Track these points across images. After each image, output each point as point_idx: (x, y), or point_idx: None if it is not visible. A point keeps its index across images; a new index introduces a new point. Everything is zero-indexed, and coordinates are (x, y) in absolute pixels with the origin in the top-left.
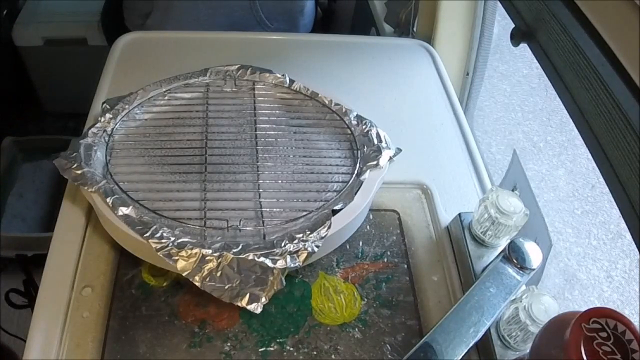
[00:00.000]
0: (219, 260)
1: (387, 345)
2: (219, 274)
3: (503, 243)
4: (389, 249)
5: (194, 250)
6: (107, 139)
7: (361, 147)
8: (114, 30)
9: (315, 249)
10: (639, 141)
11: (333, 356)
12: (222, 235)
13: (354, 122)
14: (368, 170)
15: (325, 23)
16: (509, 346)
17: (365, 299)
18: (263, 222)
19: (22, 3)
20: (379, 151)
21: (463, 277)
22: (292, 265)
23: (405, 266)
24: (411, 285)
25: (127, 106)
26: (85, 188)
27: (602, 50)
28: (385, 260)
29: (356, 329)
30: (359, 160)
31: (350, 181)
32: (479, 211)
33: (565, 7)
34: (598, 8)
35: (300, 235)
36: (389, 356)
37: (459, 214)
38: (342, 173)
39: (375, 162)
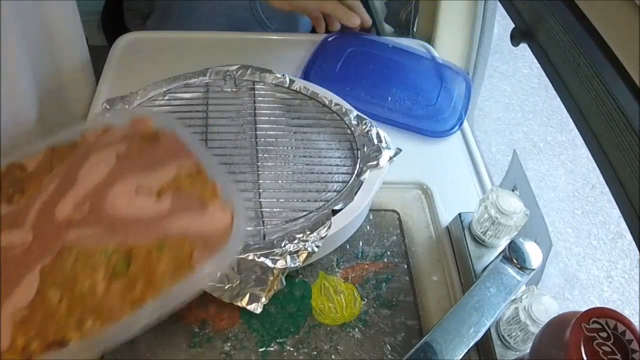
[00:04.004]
0: None
1: (387, 345)
2: (218, 274)
3: (503, 243)
4: (389, 249)
5: None
6: None
7: (361, 147)
8: (114, 30)
9: (315, 249)
10: (639, 141)
11: (333, 356)
12: None
13: (354, 122)
14: (368, 170)
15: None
16: (509, 346)
17: (365, 299)
18: (263, 222)
19: None
20: (379, 151)
21: (463, 277)
22: (292, 266)
23: (405, 266)
24: (411, 285)
25: (127, 106)
26: None
27: (602, 50)
28: (385, 260)
29: (356, 329)
30: (359, 160)
31: (350, 181)
32: (479, 211)
33: (565, 7)
34: (598, 8)
35: (301, 235)
36: (389, 356)
37: (459, 214)
38: (342, 173)
39: (375, 162)
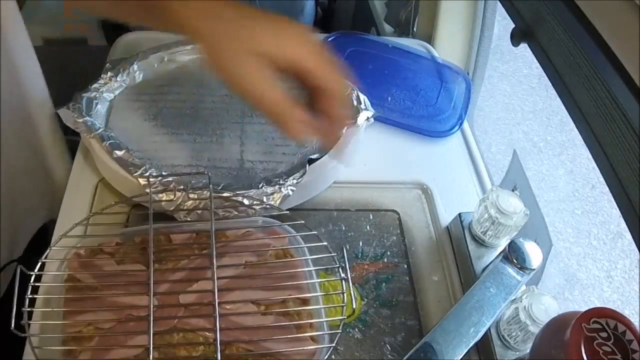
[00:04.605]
0: (200, 197)
1: (387, 345)
2: (199, 210)
3: (503, 243)
4: (389, 249)
5: (178, 188)
6: (108, 94)
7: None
8: (114, 30)
9: (290, 192)
10: (639, 141)
11: (333, 356)
12: (206, 177)
13: None
14: (345, 127)
15: (325, 23)
16: (509, 346)
17: (365, 299)
18: (244, 168)
19: (22, 3)
20: (357, 112)
21: (463, 277)
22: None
23: (405, 266)
24: (411, 285)
25: (128, 66)
26: (85, 134)
27: (602, 50)
28: (385, 260)
29: (356, 329)
30: None
31: None
32: (479, 211)
33: (565, 7)
34: (598, 8)
35: (277, 179)
36: (389, 356)
37: (459, 214)
38: None
39: (353, 121)
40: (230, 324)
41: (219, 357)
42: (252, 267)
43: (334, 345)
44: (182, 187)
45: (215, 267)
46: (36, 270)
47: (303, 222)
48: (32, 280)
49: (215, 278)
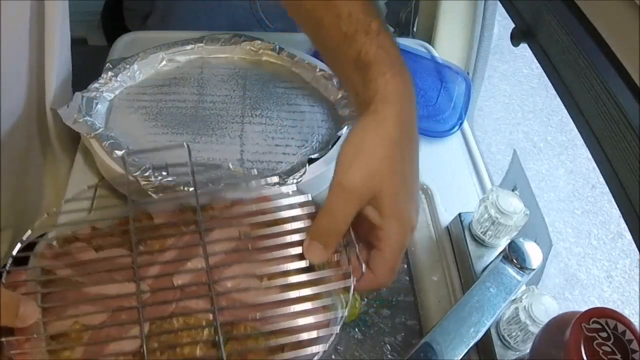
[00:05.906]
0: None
1: (387, 345)
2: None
3: (503, 243)
4: None
5: (178, 187)
6: (108, 94)
7: (342, 109)
8: (114, 30)
9: (290, 192)
10: (639, 141)
11: (333, 356)
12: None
13: (337, 86)
14: (345, 127)
15: None
16: (509, 346)
17: (365, 299)
18: (244, 167)
19: None
20: None
21: (463, 277)
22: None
23: (405, 266)
24: (411, 285)
25: (128, 66)
26: (85, 134)
27: (602, 50)
28: None
29: (356, 329)
30: (339, 120)
31: (328, 137)
32: (479, 211)
33: (565, 7)
34: (598, 8)
35: (277, 179)
36: (389, 356)
37: (459, 214)
38: (322, 133)
39: (353, 120)
40: (234, 302)
41: (220, 340)
42: (247, 239)
43: (346, 314)
44: (162, 165)
45: (205, 243)
46: (7, 266)
47: (295, 189)
48: (2, 279)
49: (207, 255)
